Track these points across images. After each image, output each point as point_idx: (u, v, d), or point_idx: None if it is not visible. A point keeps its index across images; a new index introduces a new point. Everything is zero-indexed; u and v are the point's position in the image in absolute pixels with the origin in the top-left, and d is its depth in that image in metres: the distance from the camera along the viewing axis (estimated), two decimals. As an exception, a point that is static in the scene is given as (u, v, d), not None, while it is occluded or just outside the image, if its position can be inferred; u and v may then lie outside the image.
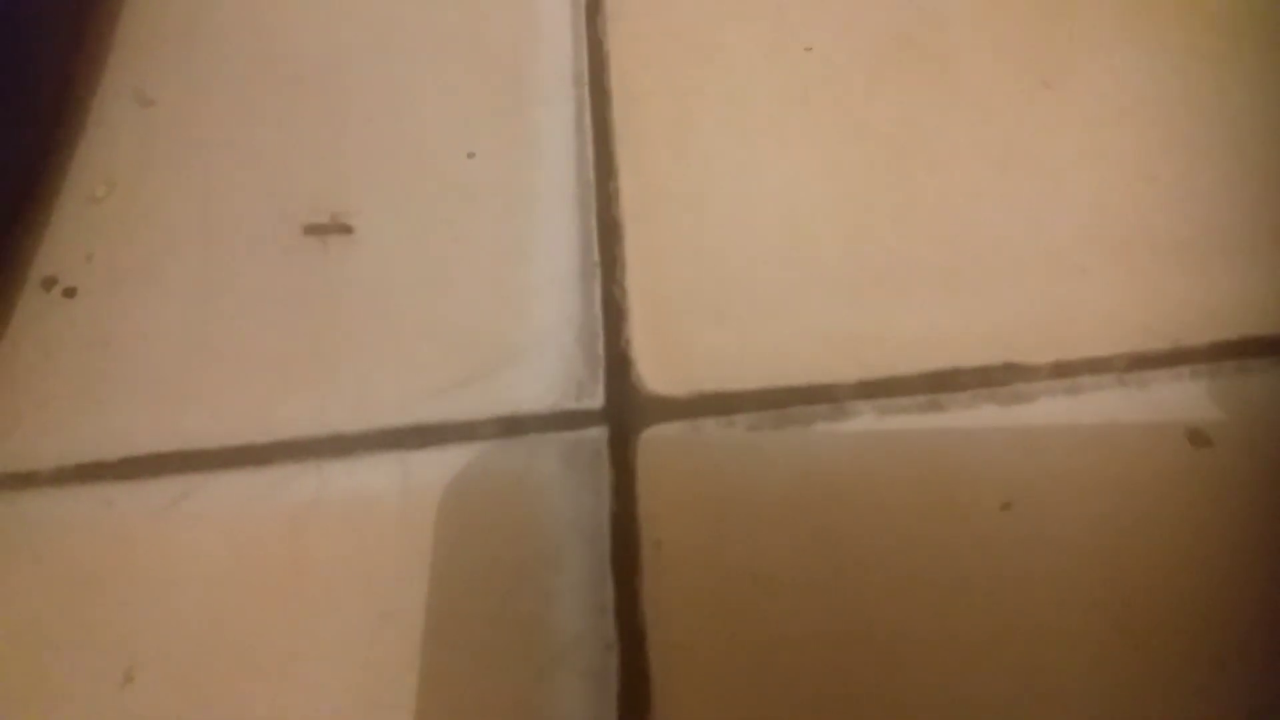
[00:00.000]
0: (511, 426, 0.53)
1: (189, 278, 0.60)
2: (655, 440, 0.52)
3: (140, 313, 0.59)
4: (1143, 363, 0.51)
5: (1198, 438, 0.48)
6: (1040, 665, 0.45)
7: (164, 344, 0.58)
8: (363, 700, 0.47)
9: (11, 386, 0.58)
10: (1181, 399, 0.50)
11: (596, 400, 0.53)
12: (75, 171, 0.65)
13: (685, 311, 0.56)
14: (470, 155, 0.62)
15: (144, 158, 0.65)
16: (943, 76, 0.62)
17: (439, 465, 0.53)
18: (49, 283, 0.62)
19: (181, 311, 0.59)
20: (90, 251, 0.62)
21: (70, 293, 0.61)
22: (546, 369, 0.55)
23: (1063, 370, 0.52)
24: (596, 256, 0.58)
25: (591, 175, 0.60)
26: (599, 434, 0.52)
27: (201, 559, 0.51)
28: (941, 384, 0.52)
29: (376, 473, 0.53)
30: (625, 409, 0.53)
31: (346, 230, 0.61)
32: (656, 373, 0.54)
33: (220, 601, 0.50)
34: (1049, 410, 0.51)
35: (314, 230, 0.61)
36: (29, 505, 0.54)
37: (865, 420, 0.51)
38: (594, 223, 0.59)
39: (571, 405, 0.53)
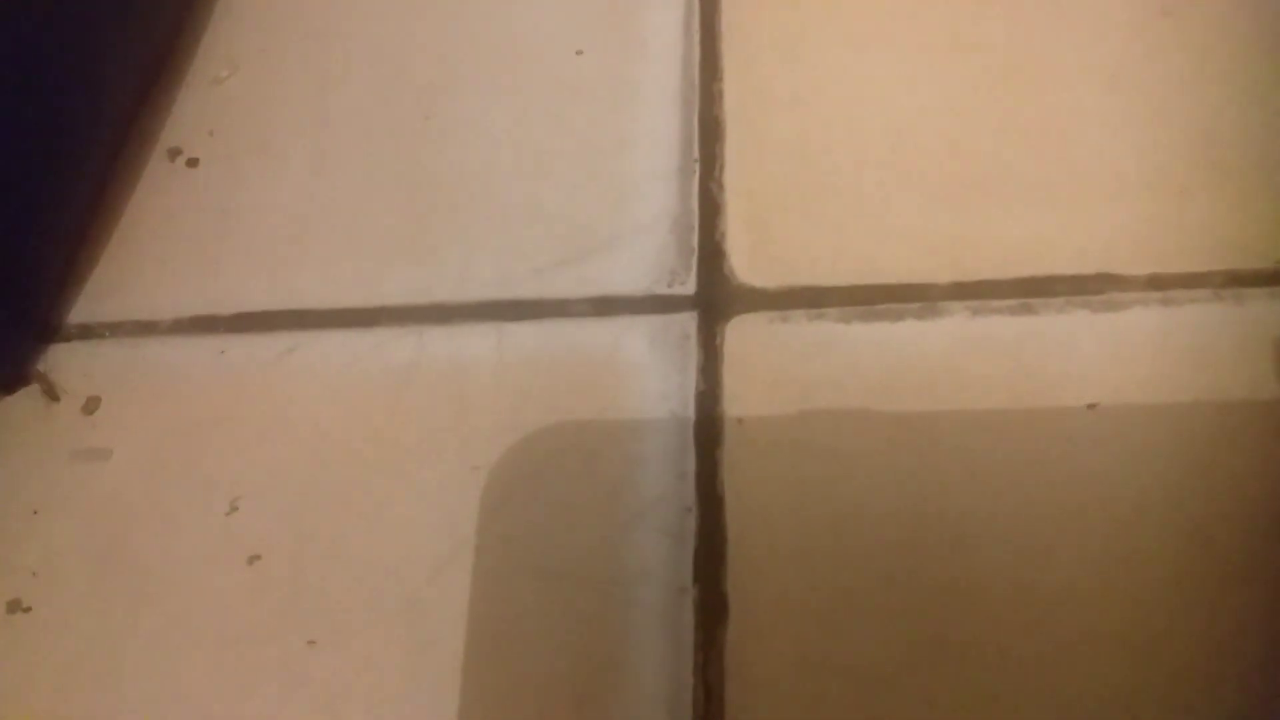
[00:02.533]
0: (604, 307, 0.56)
1: (304, 154, 0.64)
2: (743, 326, 0.55)
3: (257, 184, 0.64)
4: (1240, 280, 0.52)
5: (1294, 358, 0.49)
6: (1113, 561, 0.47)
7: (278, 213, 0.63)
8: (451, 541, 0.50)
9: (135, 245, 0.63)
10: (1278, 318, 0.51)
11: (688, 287, 0.56)
12: (201, 55, 0.70)
13: (781, 209, 0.58)
14: (578, 53, 0.65)
15: (265, 44, 0.69)
16: (1051, 3, 0.64)
17: (533, 337, 0.56)
18: (174, 153, 0.67)
19: (296, 185, 0.63)
20: (213, 127, 0.67)
21: (193, 163, 0.66)
22: (641, 256, 0.58)
23: (1158, 283, 0.53)
24: (696, 154, 0.61)
25: (696, 76, 0.63)
26: (688, 318, 0.55)
27: (306, 408, 0.56)
28: (1035, 289, 0.54)
29: (473, 340, 0.56)
30: (715, 296, 0.56)
31: (454, 119, 0.64)
32: (748, 265, 0.57)
33: (322, 446, 0.54)
34: (1141, 320, 0.52)
35: (424, 116, 0.65)
36: (148, 351, 0.59)
37: (956, 319, 0.53)
38: (696, 122, 0.62)
39: (663, 290, 0.56)
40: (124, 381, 0.58)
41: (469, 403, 0.55)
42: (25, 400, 0.59)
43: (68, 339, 0.61)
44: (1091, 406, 0.50)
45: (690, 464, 0.51)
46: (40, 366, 0.59)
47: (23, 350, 0.60)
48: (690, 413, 0.53)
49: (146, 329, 0.60)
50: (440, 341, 0.57)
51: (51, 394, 0.58)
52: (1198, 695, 0.44)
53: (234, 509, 0.53)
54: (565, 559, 0.50)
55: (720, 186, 0.60)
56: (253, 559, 0.52)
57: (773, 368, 0.53)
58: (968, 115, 0.60)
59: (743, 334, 0.55)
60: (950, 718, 0.44)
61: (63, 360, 0.60)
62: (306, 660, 0.49)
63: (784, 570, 0.48)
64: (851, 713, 0.44)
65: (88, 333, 0.61)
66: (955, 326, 0.53)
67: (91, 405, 0.58)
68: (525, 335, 0.57)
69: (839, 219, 0.58)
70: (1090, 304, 0.53)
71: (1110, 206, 0.56)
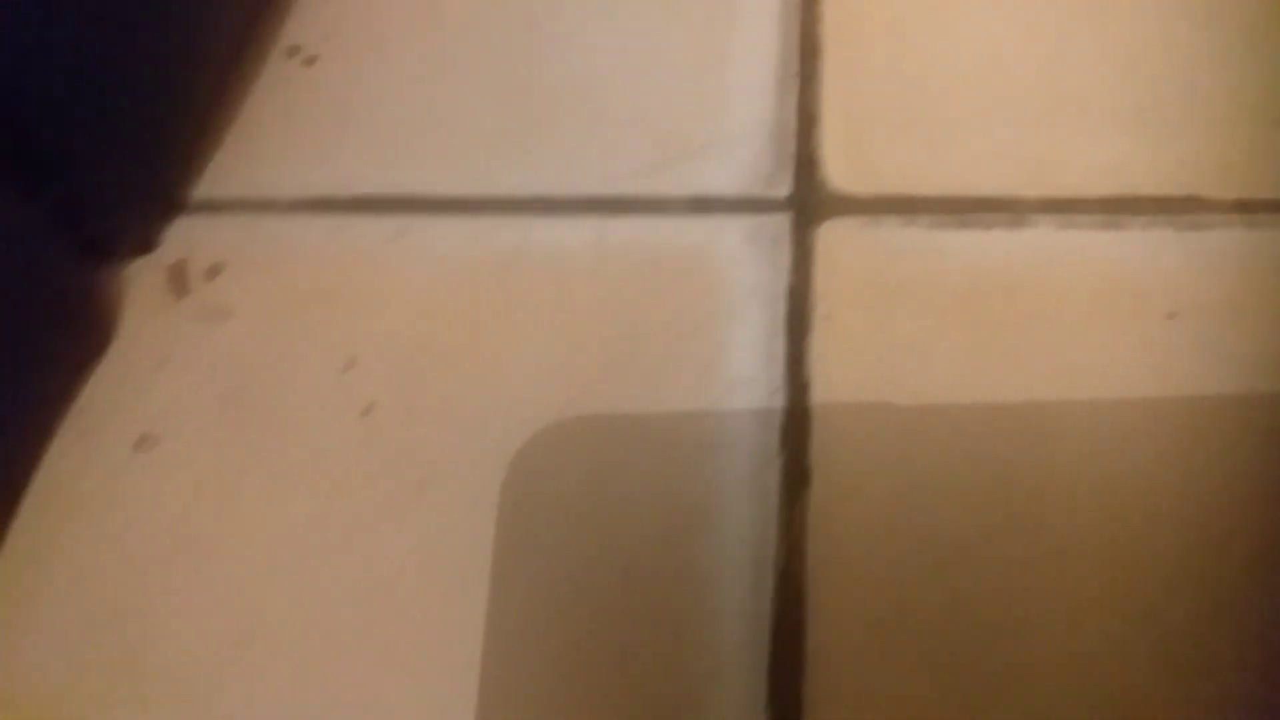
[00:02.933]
0: (700, 206, 0.60)
1: (417, 56, 0.68)
2: (836, 229, 0.58)
3: (372, 81, 0.68)
4: (1327, 208, 0.54)
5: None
6: (1190, 466, 0.49)
7: (391, 108, 0.66)
8: (551, 407, 0.54)
9: (256, 132, 0.67)
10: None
11: (783, 190, 0.59)
12: (321, -39, 0.74)
13: (876, 124, 0.61)
14: (683, -27, 0.68)
15: (384, -47, 0.73)
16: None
17: (631, 231, 0.60)
18: (292, 51, 0.71)
19: (409, 83, 0.67)
20: (329, 28, 0.71)
21: (310, 61, 0.70)
22: (737, 161, 0.61)
23: (1245, 206, 0.55)
24: (795, 69, 0.63)
25: (798, -2, 0.66)
26: (782, 219, 0.58)
27: (417, 284, 0.59)
28: (1121, 207, 0.56)
29: (574, 232, 0.60)
30: (809, 200, 0.59)
31: (559, 29, 0.68)
32: (842, 173, 0.60)
33: (432, 317, 0.58)
34: (1224, 240, 0.54)
35: (529, 26, 0.68)
36: (268, 226, 0.63)
37: (1043, 231, 0.56)
38: (795, 39, 0.64)
39: (758, 193, 0.59)
40: (244, 251, 0.63)
41: (569, 287, 0.58)
42: (151, 266, 0.63)
43: (192, 212, 0.65)
44: (1171, 315, 0.52)
45: (779, 350, 0.54)
46: (166, 236, 0.64)
47: (150, 219, 0.64)
48: (781, 305, 0.56)
49: (266, 206, 0.64)
50: (543, 231, 0.61)
51: (180, 280, 0.62)
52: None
53: (349, 367, 0.57)
54: (657, 425, 0.53)
55: (817, 100, 0.62)
56: (366, 411, 0.55)
57: (863, 268, 0.56)
58: (1059, 42, 0.62)
59: (835, 236, 0.58)
60: (1022, 590, 0.47)
61: (187, 231, 0.64)
62: (415, 502, 0.52)
63: (867, 447, 0.51)
64: (928, 575, 0.47)
65: (211, 207, 0.65)
66: (1042, 237, 0.56)
67: (214, 271, 0.62)
68: (624, 229, 0.60)
69: (931, 135, 0.60)
70: (1175, 223, 0.55)
71: (1199, 133, 0.58)
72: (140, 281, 0.62)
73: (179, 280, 0.62)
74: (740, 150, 0.61)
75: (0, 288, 0.53)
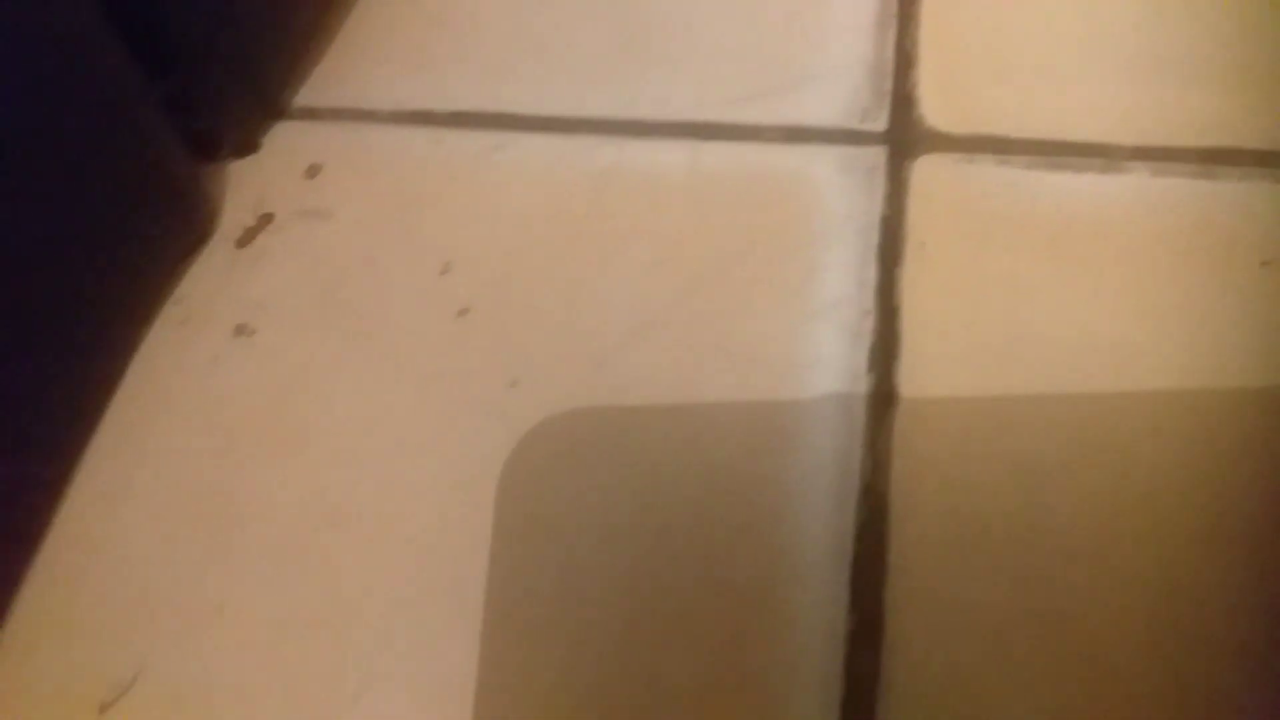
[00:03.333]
0: (796, 135, 0.61)
1: (520, -21, 0.69)
2: (930, 164, 0.59)
3: (473, 0, 0.69)
4: None
5: None
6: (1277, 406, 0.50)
7: (493, 28, 0.68)
8: (641, 318, 0.55)
9: (359, 45, 0.69)
10: None
11: (879, 125, 0.60)
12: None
13: (973, 66, 0.62)
14: (785, -87, 0.69)
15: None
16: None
17: (725, 156, 0.61)
18: (396, -31, 0.72)
19: (511, 5, 0.68)
20: (434, -50, 0.72)
21: (414, -19, 0.71)
22: (835, 94, 0.62)
23: (1343, 163, 0.55)
24: (894, 9, 0.64)
25: (899, -58, 0.67)
26: (877, 152, 0.59)
27: (513, 196, 0.61)
28: (1217, 158, 0.57)
29: (669, 154, 0.61)
30: (905, 136, 0.60)
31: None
32: (939, 113, 0.60)
33: (527, 228, 0.59)
34: (1322, 195, 0.55)
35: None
36: (368, 134, 0.65)
37: (1137, 177, 0.57)
38: (896, -18, 0.65)
39: (855, 125, 0.60)
40: (344, 156, 0.64)
41: (662, 206, 0.60)
42: (252, 165, 0.65)
43: (294, 118, 0.67)
44: (1265, 264, 0.53)
45: (871, 275, 0.55)
46: (268, 139, 0.66)
47: (254, 120, 0.66)
48: (874, 233, 0.57)
49: (365, 116, 0.66)
50: (638, 153, 0.62)
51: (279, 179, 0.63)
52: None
53: (446, 270, 0.59)
54: (749, 343, 0.54)
55: (915, 42, 0.63)
56: (462, 311, 0.57)
57: (956, 202, 0.57)
58: (1163, -1, 0.63)
59: (929, 170, 0.59)
60: (1100, 513, 0.48)
61: (287, 135, 0.66)
62: (506, 399, 0.54)
63: (954, 372, 0.52)
64: (1009, 494, 0.48)
65: (312, 114, 0.67)
66: (1136, 183, 0.57)
67: (313, 171, 0.64)
68: (718, 154, 0.61)
69: (1028, 80, 0.61)
70: (1271, 175, 0.56)
71: (1299, 92, 0.58)
72: (238, 180, 0.64)
73: (277, 179, 0.64)
74: (838, 85, 0.62)
75: (120, 170, 0.55)
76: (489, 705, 0.46)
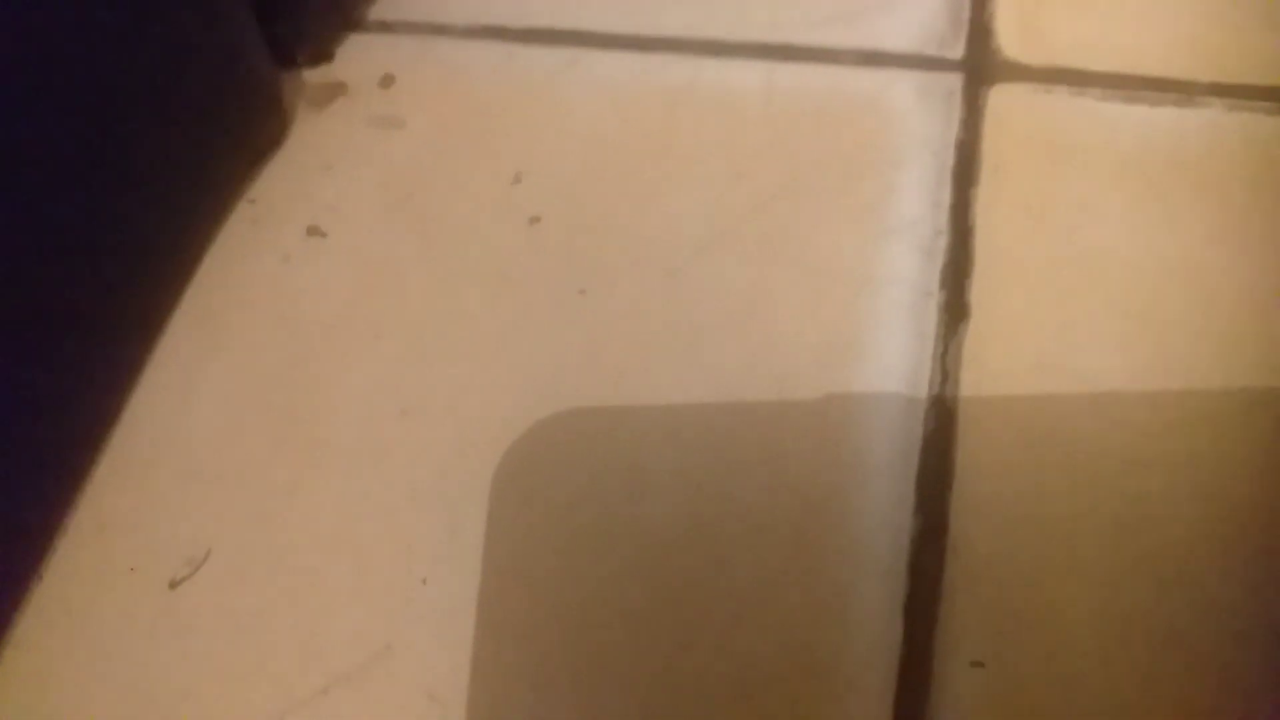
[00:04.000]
0: (872, 59, 0.61)
1: (595, -97, 0.70)
2: (1006, 92, 0.59)
3: (549, -76, 0.70)
4: None
5: None
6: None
7: (567, -51, 0.68)
8: (713, 229, 0.56)
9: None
10: None
11: (956, 52, 0.61)
12: None
13: (1048, 2, 0.62)
14: None
15: None
16: None
17: (801, 77, 0.61)
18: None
19: (585, -72, 0.69)
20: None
21: (488, -99, 0.72)
22: (911, 22, 0.62)
23: None
24: (972, -57, 0.64)
25: (979, -123, 0.67)
26: (954, 79, 0.60)
27: (586, 111, 0.62)
28: (1294, 96, 0.57)
29: (744, 74, 0.62)
30: (982, 64, 0.60)
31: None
32: (1016, 43, 0.61)
33: (600, 141, 0.60)
34: (1402, 134, 0.55)
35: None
36: (441, 48, 0.66)
37: (1213, 112, 0.57)
38: (975, -85, 0.65)
39: (932, 52, 0.61)
40: (418, 68, 0.65)
41: (736, 124, 0.60)
42: (326, 73, 0.66)
43: (368, 30, 0.67)
44: (1341, 198, 0.53)
45: (945, 196, 0.56)
46: (344, 50, 0.67)
47: (330, 28, 0.67)
48: (950, 156, 0.57)
49: (439, 30, 0.67)
50: (713, 71, 0.62)
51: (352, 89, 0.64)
52: None
53: (518, 180, 0.59)
54: (823, 257, 0.55)
55: (994, -27, 0.63)
56: (533, 220, 0.58)
57: (1032, 130, 0.58)
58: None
59: (1005, 98, 0.59)
60: (1165, 425, 0.48)
61: (362, 47, 0.67)
62: (578, 305, 0.55)
63: (1025, 290, 0.53)
64: (1076, 409, 0.49)
65: (385, 28, 0.68)
66: (1212, 117, 0.57)
67: (387, 82, 0.65)
68: (794, 75, 0.62)
69: (1105, 14, 0.61)
70: (1349, 114, 0.56)
71: (1382, 33, 0.58)
72: (312, 88, 0.65)
73: (351, 88, 0.65)
74: (915, 12, 0.63)
75: (206, 66, 0.56)
76: (551, 619, 0.47)
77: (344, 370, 0.55)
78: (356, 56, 0.66)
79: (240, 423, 0.54)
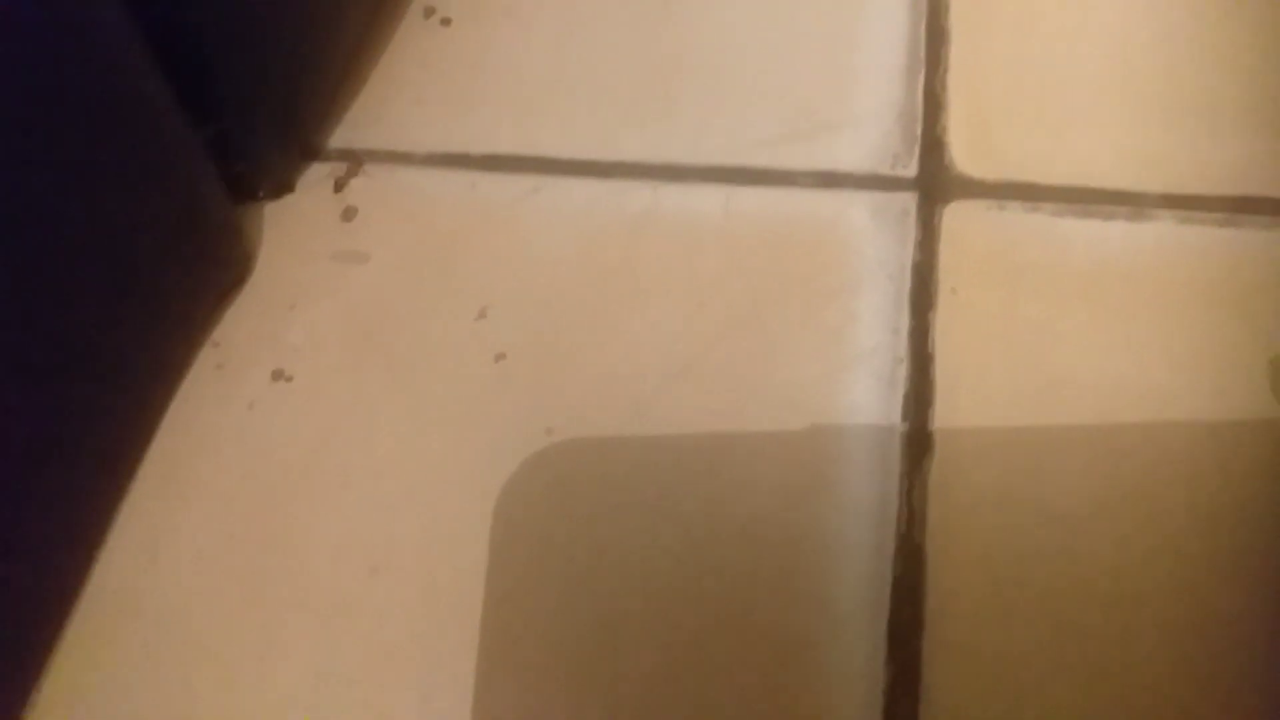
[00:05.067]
0: (828, 180, 0.62)
1: (549, 21, 0.70)
2: (961, 210, 0.59)
3: (505, 44, 0.70)
4: None
5: None
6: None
7: (525, 71, 0.69)
8: (678, 362, 0.56)
9: (392, 87, 0.70)
10: None
11: (910, 170, 0.61)
12: (454, -72, 0.76)
13: (1001, 112, 0.63)
14: (813, -43, 0.70)
15: (518, -78, 0.75)
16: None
17: (759, 200, 0.62)
18: (429, 12, 0.73)
19: (541, 47, 0.70)
20: (464, -8, 0.73)
21: (446, 22, 0.73)
22: (865, 140, 0.63)
23: (1369, 212, 0.56)
24: (922, 55, 0.65)
25: (926, -13, 0.68)
26: (909, 198, 0.60)
27: (549, 240, 0.62)
28: (1242, 207, 0.57)
29: (703, 198, 0.62)
30: (935, 181, 0.61)
31: (692, 4, 0.70)
32: (968, 158, 0.61)
33: (563, 271, 0.60)
34: (1349, 244, 0.55)
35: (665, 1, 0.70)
36: (404, 177, 0.66)
37: (1164, 225, 0.57)
38: (923, 27, 0.66)
39: (886, 171, 0.61)
40: (380, 198, 0.65)
41: (696, 251, 0.60)
42: (288, 206, 0.66)
43: (328, 159, 0.68)
44: (1293, 313, 0.54)
45: (904, 322, 0.56)
46: (304, 180, 0.67)
47: (289, 162, 0.67)
48: (906, 279, 0.58)
49: (402, 159, 0.67)
50: (672, 196, 0.63)
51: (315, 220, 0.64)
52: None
53: (482, 315, 0.59)
54: (785, 390, 0.55)
55: (944, 87, 0.64)
56: (499, 357, 0.58)
57: (987, 249, 0.58)
58: (1184, 44, 0.64)
59: (960, 217, 0.59)
60: (1132, 561, 0.49)
61: (322, 176, 0.67)
62: (545, 446, 0.55)
63: (987, 419, 0.53)
64: (1043, 543, 0.49)
65: (346, 156, 0.68)
66: (1163, 231, 0.58)
67: (349, 214, 0.65)
68: (752, 198, 0.62)
69: (1056, 126, 0.62)
70: (1298, 225, 0.57)
71: (1325, 140, 0.59)
72: (275, 222, 0.65)
73: (314, 221, 0.65)
74: (868, 130, 0.63)
75: (163, 211, 0.56)
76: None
77: (313, 524, 0.55)
78: (317, 186, 0.67)
79: (210, 583, 0.54)
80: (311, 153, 0.68)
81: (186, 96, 0.56)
